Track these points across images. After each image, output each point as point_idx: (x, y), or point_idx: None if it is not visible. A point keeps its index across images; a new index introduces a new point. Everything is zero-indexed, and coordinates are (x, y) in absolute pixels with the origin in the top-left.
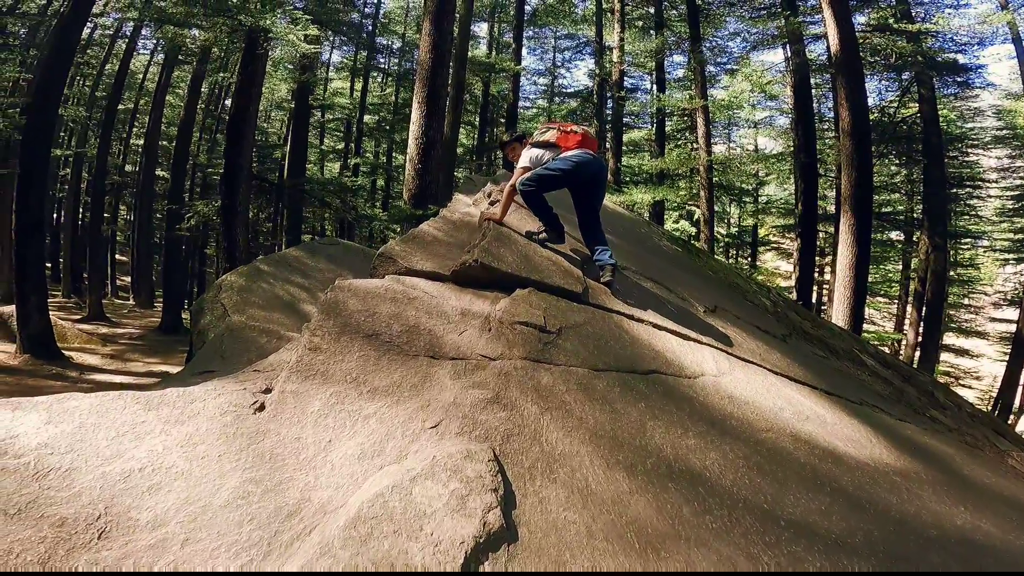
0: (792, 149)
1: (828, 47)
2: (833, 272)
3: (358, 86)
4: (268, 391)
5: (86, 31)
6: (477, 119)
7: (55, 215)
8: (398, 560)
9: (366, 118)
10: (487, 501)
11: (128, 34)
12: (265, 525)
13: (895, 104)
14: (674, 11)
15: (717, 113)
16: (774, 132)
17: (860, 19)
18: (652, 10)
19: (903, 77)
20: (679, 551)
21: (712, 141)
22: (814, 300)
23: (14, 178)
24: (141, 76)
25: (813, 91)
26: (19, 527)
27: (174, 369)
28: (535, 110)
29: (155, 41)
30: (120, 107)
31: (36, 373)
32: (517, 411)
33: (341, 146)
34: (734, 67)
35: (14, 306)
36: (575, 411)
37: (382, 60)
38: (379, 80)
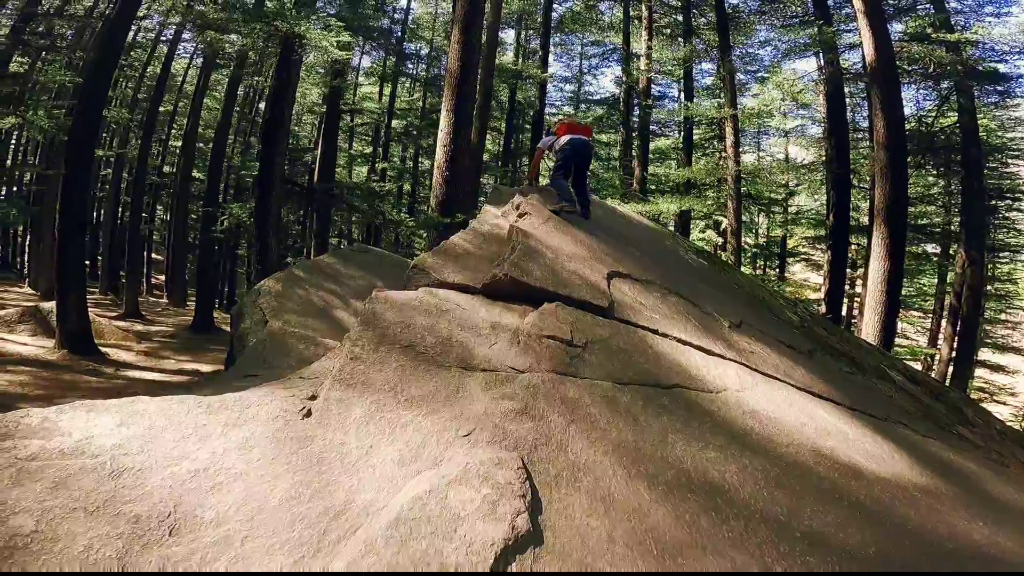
0: (824, 159)
1: (863, 56)
2: (864, 285)
3: (387, 91)
4: (314, 398)
5: (130, 34)
6: (503, 125)
7: (95, 214)
8: (434, 559)
9: (394, 123)
10: (516, 506)
11: (169, 38)
12: (314, 524)
13: (933, 114)
14: (703, 19)
15: (747, 122)
16: (806, 141)
17: (896, 27)
18: (680, 18)
19: (941, 87)
20: (696, 559)
21: (741, 150)
22: (844, 313)
23: (59, 178)
24: (180, 79)
25: (847, 100)
26: (98, 523)
27: (205, 367)
28: (560, 116)
29: (194, 45)
30: (160, 109)
31: (73, 368)
32: (544, 422)
33: (369, 150)
34: (764, 75)
35: (54, 302)
36: (600, 423)
37: (410, 65)
38: (407, 85)
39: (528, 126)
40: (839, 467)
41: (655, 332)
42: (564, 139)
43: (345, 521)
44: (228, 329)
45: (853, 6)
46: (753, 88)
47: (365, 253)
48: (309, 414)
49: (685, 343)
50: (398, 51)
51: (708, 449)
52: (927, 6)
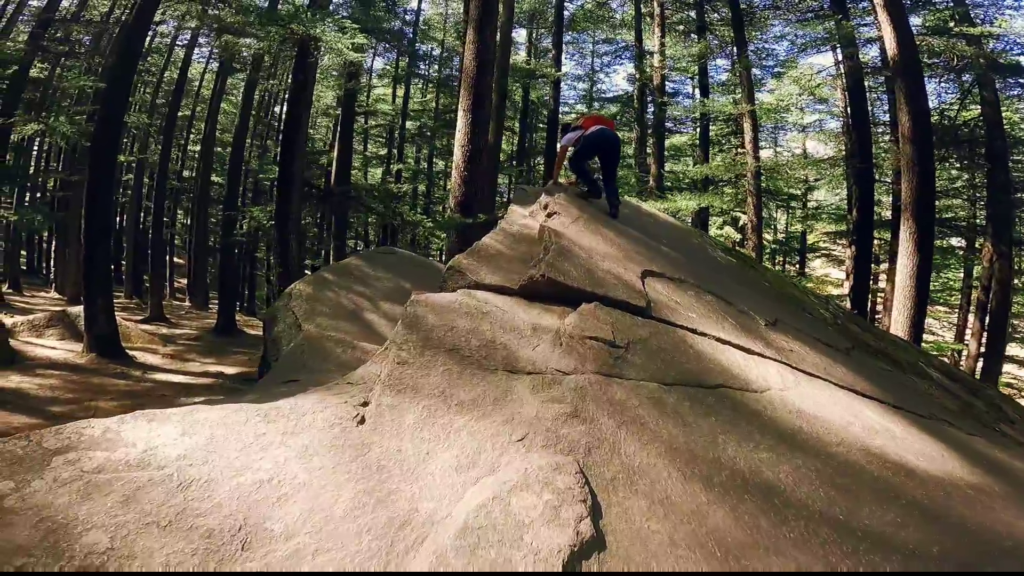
0: (844, 153)
1: (882, 50)
2: (888, 280)
3: (400, 92)
4: (366, 404)
5: (146, 39)
6: (517, 125)
7: (117, 219)
8: (504, 568)
9: (408, 124)
10: (578, 512)
11: (186, 42)
12: (381, 536)
13: (955, 107)
14: (716, 15)
15: (763, 117)
16: (824, 136)
17: (915, 20)
18: (693, 14)
19: (963, 80)
20: (759, 560)
21: (759, 145)
22: (868, 309)
23: (84, 184)
24: (197, 84)
25: (867, 94)
26: (172, 538)
27: (229, 369)
28: (574, 115)
29: (210, 50)
30: (178, 114)
31: (101, 372)
32: (595, 425)
33: (383, 152)
34: (780, 70)
35: (81, 307)
36: (649, 425)
37: (422, 67)
38: (420, 86)
39: (542, 125)
40: (890, 466)
41: (694, 331)
42: (591, 129)
43: (411, 531)
44: (249, 332)
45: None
46: (768, 83)
47: (390, 255)
48: (363, 421)
49: (724, 342)
50: (410, 52)
51: (759, 449)
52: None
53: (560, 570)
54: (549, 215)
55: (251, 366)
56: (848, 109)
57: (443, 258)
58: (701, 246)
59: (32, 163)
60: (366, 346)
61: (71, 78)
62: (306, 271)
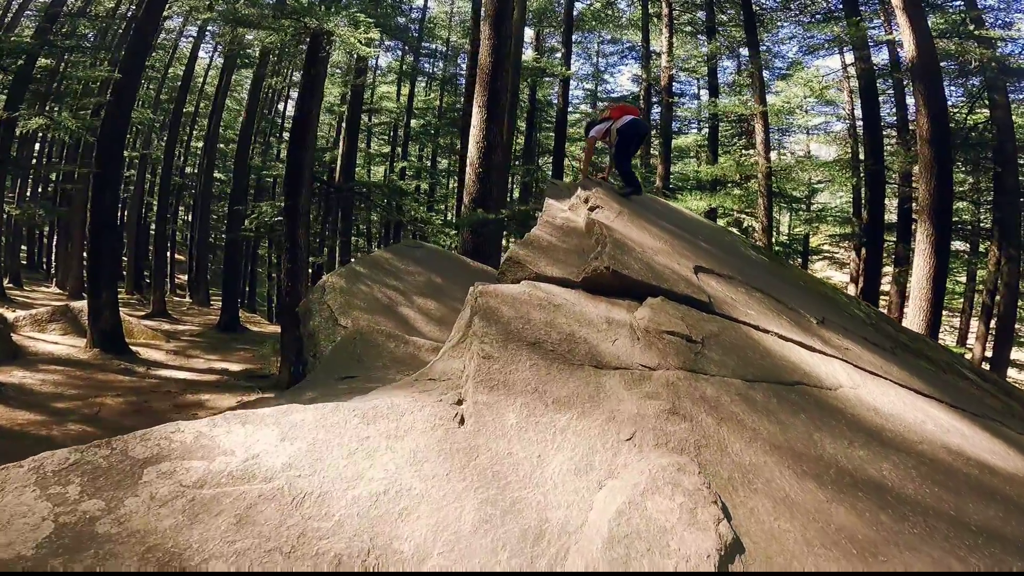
0: (850, 155)
1: (895, 53)
2: (893, 283)
3: (404, 90)
4: (460, 402)
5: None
6: (523, 124)
7: (120, 214)
8: None
9: (412, 122)
10: (714, 513)
11: (193, 37)
12: (518, 551)
13: (964, 110)
14: (723, 15)
15: (773, 119)
16: (829, 138)
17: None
18: (700, 14)
19: (972, 83)
20: (895, 555)
21: (769, 147)
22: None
23: (86, 179)
24: (201, 80)
25: (878, 96)
26: (301, 567)
27: (234, 367)
28: (578, 115)
29: (215, 45)
30: (183, 110)
31: (105, 367)
32: (696, 423)
33: (387, 149)
34: (786, 72)
35: (84, 302)
36: (747, 423)
37: (427, 65)
38: (424, 84)
39: (547, 124)
40: (973, 463)
41: (756, 327)
42: (623, 121)
43: (549, 545)
44: (252, 328)
45: (890, 2)
46: (775, 85)
47: (419, 248)
48: (463, 421)
49: (787, 339)
50: (416, 50)
51: (855, 447)
52: (957, 3)
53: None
54: (592, 209)
55: (255, 363)
56: (855, 111)
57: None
58: (734, 244)
59: (35, 157)
60: (418, 340)
61: (82, 70)
62: (309, 269)
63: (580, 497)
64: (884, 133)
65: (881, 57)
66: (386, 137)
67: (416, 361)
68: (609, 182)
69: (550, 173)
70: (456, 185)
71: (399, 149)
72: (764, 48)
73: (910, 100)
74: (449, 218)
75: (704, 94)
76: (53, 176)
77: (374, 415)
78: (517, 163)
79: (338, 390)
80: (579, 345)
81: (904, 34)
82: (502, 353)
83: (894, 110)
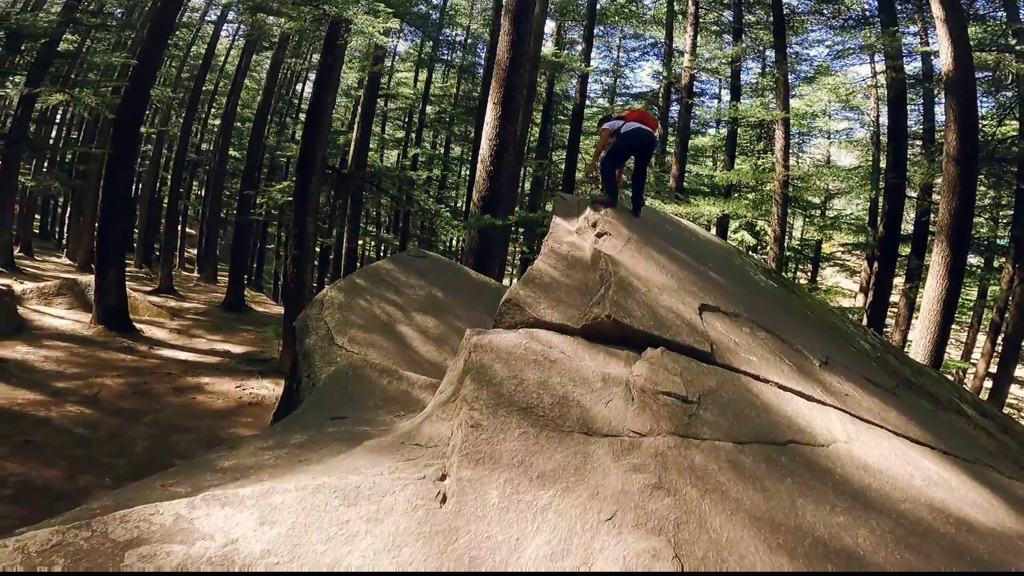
0: (871, 163)
1: (928, 63)
2: (903, 296)
3: (422, 77)
4: (443, 478)
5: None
6: (539, 117)
7: (134, 188)
8: None
9: (428, 109)
10: None
11: (215, 18)
12: None
13: (993, 123)
14: (750, 16)
15: (794, 123)
16: (850, 145)
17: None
18: (728, 14)
19: (1003, 95)
20: None
21: (789, 153)
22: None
23: (103, 156)
24: (223, 59)
25: (907, 106)
26: None
27: (236, 348)
28: (595, 109)
29: (238, 26)
30: (202, 88)
31: (108, 345)
32: (680, 497)
33: (401, 135)
34: (812, 76)
35: (91, 276)
36: (731, 493)
37: (445, 53)
38: (442, 72)
39: (563, 118)
40: (953, 521)
41: (756, 378)
42: (632, 126)
43: None
44: (256, 308)
45: (931, 12)
46: (799, 88)
47: (422, 258)
48: (445, 500)
49: (786, 389)
50: (435, 37)
51: (836, 512)
52: (999, 14)
53: None
54: (599, 235)
55: (257, 345)
56: (880, 120)
57: (457, 246)
58: (743, 268)
59: (54, 133)
60: (411, 376)
61: (100, 52)
62: (316, 248)
63: None
64: (907, 143)
65: (913, 66)
66: (401, 122)
67: (408, 399)
68: (601, 192)
69: (563, 167)
70: (468, 173)
71: (413, 135)
72: (791, 52)
73: (938, 110)
74: (459, 206)
75: (725, 95)
76: (69, 155)
77: (356, 496)
78: (531, 156)
79: (327, 433)
80: (571, 409)
81: (942, 46)
82: (491, 421)
83: (920, 119)
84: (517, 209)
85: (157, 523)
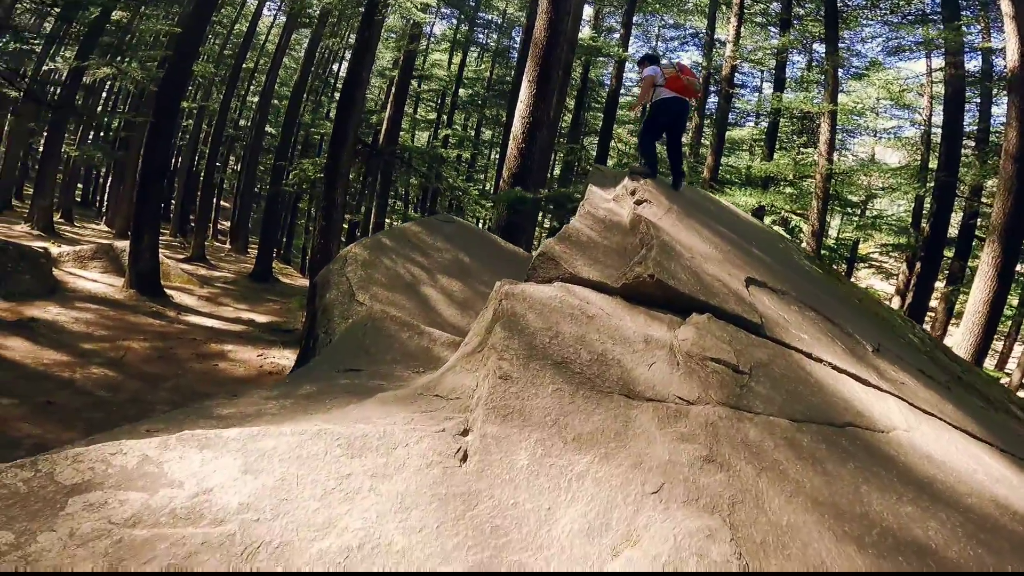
0: (918, 162)
1: (989, 61)
2: (942, 301)
3: (456, 59)
4: (466, 432)
5: None
6: (572, 103)
7: (173, 161)
8: None
9: (460, 91)
10: None
11: None
12: None
13: None
14: (800, 8)
15: (841, 119)
16: (897, 143)
17: None
18: (775, 5)
19: None
20: None
21: (833, 147)
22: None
23: (146, 126)
24: (263, 37)
25: (964, 105)
26: None
27: (260, 318)
28: (630, 97)
29: (278, 4)
30: (243, 65)
31: (138, 309)
32: (734, 473)
33: (432, 116)
34: (863, 71)
35: (127, 242)
36: (790, 473)
37: (480, 35)
38: (476, 55)
39: (596, 104)
40: (1019, 518)
41: (809, 356)
42: (667, 95)
43: None
44: (283, 280)
45: (996, 9)
46: (847, 84)
47: (449, 223)
48: (466, 458)
49: (840, 370)
50: (471, 19)
51: (903, 502)
52: None
53: None
54: (638, 202)
55: (282, 316)
56: (932, 118)
57: (485, 227)
58: (787, 252)
59: (100, 104)
60: (433, 332)
61: (149, 24)
62: (344, 224)
63: (590, 567)
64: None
65: (972, 64)
66: (433, 104)
67: (428, 356)
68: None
69: (595, 153)
70: (497, 157)
71: (445, 117)
72: (842, 46)
73: (996, 111)
74: (488, 188)
75: (767, 87)
76: (114, 123)
77: (362, 446)
78: (562, 140)
79: (338, 385)
80: (611, 368)
81: (1009, 43)
82: (522, 373)
83: (976, 119)
84: (542, 191)
85: (117, 464)
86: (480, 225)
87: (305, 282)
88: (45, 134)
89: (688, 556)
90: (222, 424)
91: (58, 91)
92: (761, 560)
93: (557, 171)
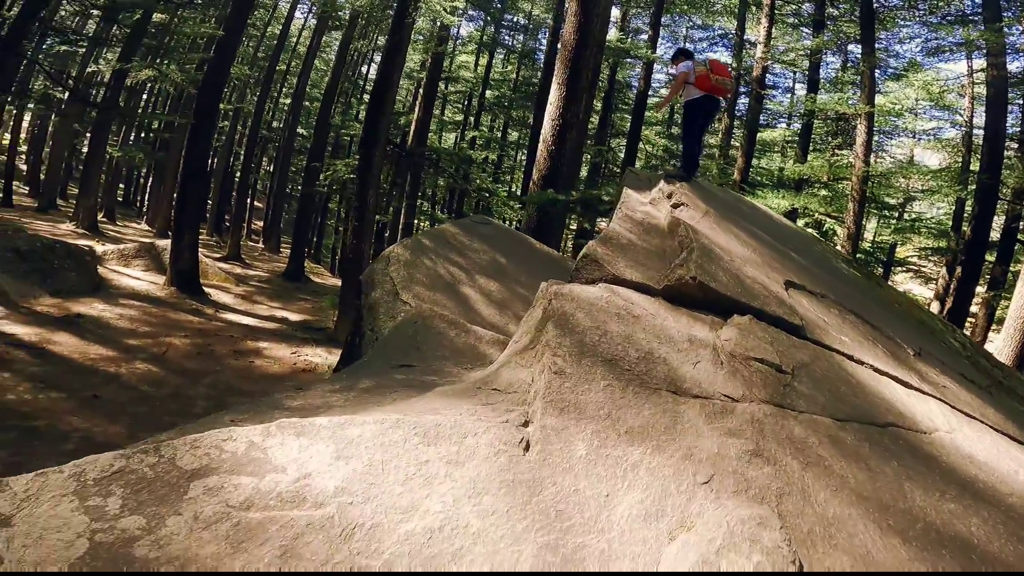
0: (959, 164)
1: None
2: (983, 306)
3: (483, 61)
4: (526, 424)
5: None
6: (599, 104)
7: (210, 162)
8: None
9: (487, 93)
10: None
11: None
12: None
13: None
14: (833, 9)
15: (878, 120)
16: (937, 144)
17: None
18: (807, 6)
19: None
20: None
21: (870, 149)
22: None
23: (184, 127)
24: (295, 40)
25: (1007, 106)
26: None
27: (293, 316)
28: (657, 99)
29: (309, 6)
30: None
31: (178, 307)
32: (780, 467)
33: (459, 118)
34: (900, 72)
35: (168, 241)
36: (834, 468)
37: (506, 37)
38: (502, 56)
39: (623, 106)
40: None
41: (850, 358)
42: (697, 95)
43: None
44: (314, 279)
45: None
46: (884, 85)
47: (485, 224)
48: (528, 447)
49: (882, 373)
50: (497, 21)
51: (946, 500)
52: None
53: None
54: (675, 206)
55: (314, 314)
56: (973, 119)
57: (514, 228)
58: (824, 255)
59: (140, 105)
60: (478, 331)
61: (191, 26)
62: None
63: (648, 548)
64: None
65: (1014, 66)
66: (460, 105)
67: (475, 353)
68: (676, 168)
69: (622, 155)
70: (524, 158)
71: (472, 118)
72: (879, 46)
73: None
74: (514, 190)
75: (799, 88)
76: (154, 124)
77: (436, 435)
78: (589, 142)
79: (395, 380)
80: (658, 366)
81: None
82: (575, 369)
83: (1019, 120)
84: (573, 192)
85: (229, 450)
86: (506, 224)
87: (335, 281)
88: (89, 135)
89: (741, 541)
90: (297, 414)
91: (103, 92)
92: (808, 548)
93: (584, 172)
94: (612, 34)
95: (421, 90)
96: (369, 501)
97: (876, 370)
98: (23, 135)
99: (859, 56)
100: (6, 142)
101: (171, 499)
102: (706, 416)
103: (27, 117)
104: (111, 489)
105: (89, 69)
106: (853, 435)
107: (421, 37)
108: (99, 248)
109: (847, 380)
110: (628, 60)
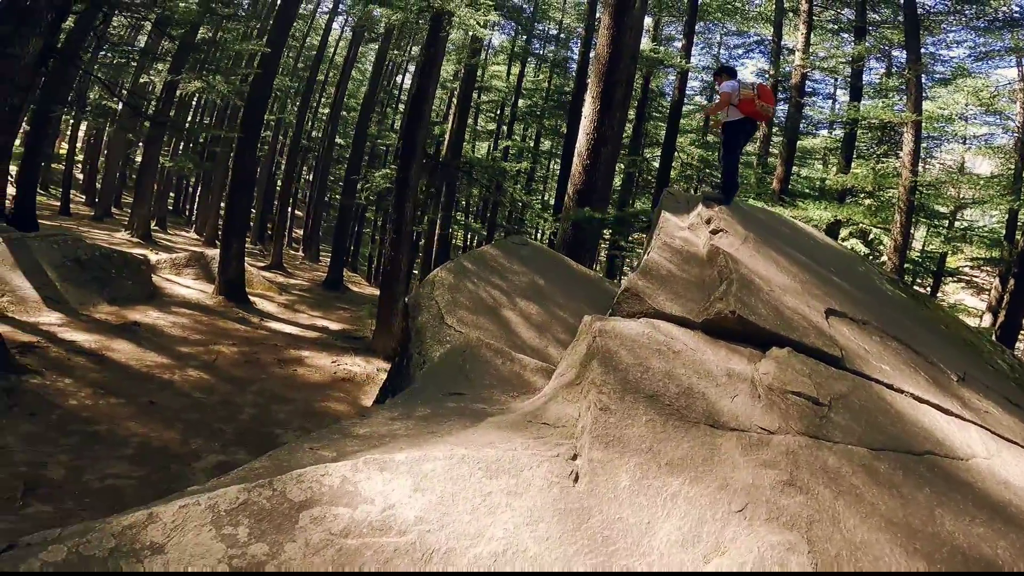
0: (1012, 171)
1: None
2: None
3: (515, 70)
4: (575, 457)
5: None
6: (633, 114)
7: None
8: None
9: (519, 102)
10: None
11: (328, 9)
12: None
13: None
14: (876, 15)
15: (925, 127)
16: (989, 151)
17: None
18: (847, 12)
19: None
20: None
21: (918, 158)
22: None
23: (231, 139)
24: (332, 51)
25: None
26: None
27: (333, 325)
28: (692, 106)
29: (346, 17)
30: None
31: (227, 315)
32: (812, 496)
33: (492, 127)
34: (948, 78)
35: (215, 250)
36: (866, 496)
37: (538, 46)
38: (534, 66)
39: (657, 115)
40: None
41: (890, 387)
42: (737, 117)
43: None
44: (352, 288)
45: None
46: (930, 91)
47: (524, 246)
48: (577, 479)
49: (922, 401)
50: (529, 31)
51: (975, 524)
52: None
53: None
54: (714, 232)
55: (352, 324)
56: None
57: (538, 238)
58: (867, 275)
59: (188, 117)
60: (523, 359)
61: (230, 41)
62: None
63: (684, 570)
64: None
65: None
66: (493, 115)
67: (520, 381)
68: (715, 191)
69: (656, 165)
70: (557, 168)
71: (504, 128)
72: (924, 52)
73: None
74: (547, 199)
75: (841, 95)
76: (202, 137)
77: (497, 469)
78: (623, 152)
79: (448, 408)
80: (697, 400)
81: None
82: (619, 405)
83: None
84: (610, 208)
85: (327, 484)
86: (540, 236)
87: (372, 291)
88: (142, 145)
89: (770, 565)
90: (366, 443)
91: (155, 105)
92: (835, 571)
93: (617, 182)
94: (645, 43)
95: (455, 101)
96: (443, 528)
97: (916, 398)
98: (79, 145)
99: (903, 61)
100: (64, 152)
101: (286, 527)
102: (742, 448)
103: (83, 127)
104: (239, 519)
105: (141, 80)
106: (888, 464)
107: (454, 47)
108: (153, 257)
109: (885, 410)
110: (662, 69)
